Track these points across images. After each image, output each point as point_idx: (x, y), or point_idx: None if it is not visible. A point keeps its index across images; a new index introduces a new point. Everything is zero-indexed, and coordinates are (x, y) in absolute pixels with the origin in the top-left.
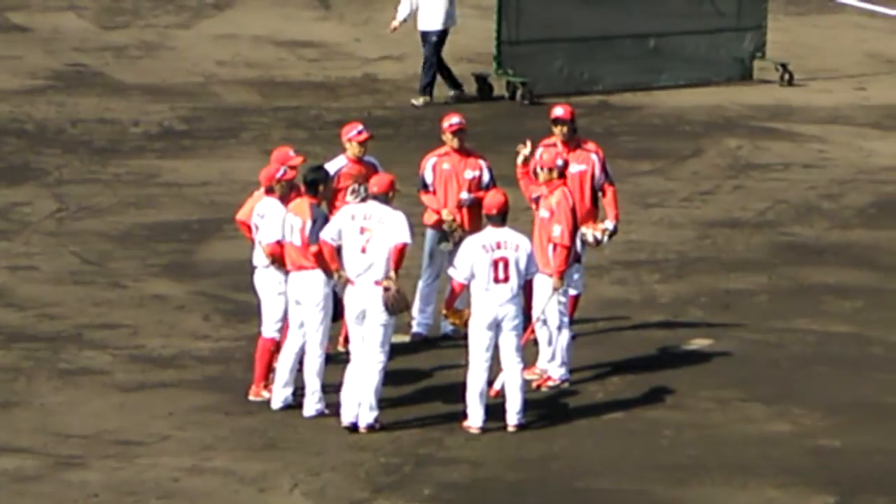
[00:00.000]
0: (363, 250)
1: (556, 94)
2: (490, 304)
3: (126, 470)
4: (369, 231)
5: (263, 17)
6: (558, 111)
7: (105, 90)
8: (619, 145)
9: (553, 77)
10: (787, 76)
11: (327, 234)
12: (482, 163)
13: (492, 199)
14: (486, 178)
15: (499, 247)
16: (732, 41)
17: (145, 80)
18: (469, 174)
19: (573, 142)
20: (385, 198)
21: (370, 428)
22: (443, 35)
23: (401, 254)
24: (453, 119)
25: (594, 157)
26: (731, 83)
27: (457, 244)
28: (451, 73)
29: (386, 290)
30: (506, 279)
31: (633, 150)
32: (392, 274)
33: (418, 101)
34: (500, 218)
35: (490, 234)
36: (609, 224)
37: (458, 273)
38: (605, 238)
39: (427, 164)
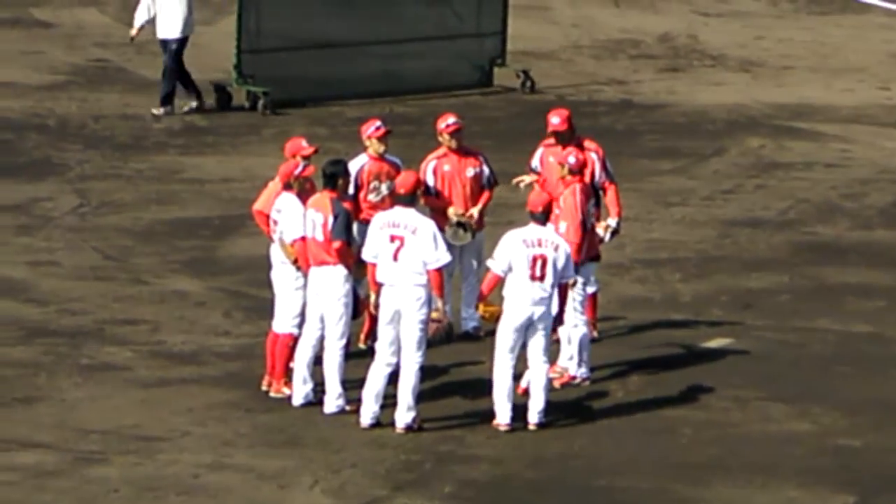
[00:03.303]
0: (395, 258)
1: (298, 104)
2: (524, 303)
3: (146, 466)
4: (399, 239)
5: None
6: (554, 120)
7: (127, 86)
8: (641, 144)
9: (294, 86)
10: (528, 83)
11: (369, 255)
12: (480, 158)
13: (537, 198)
14: (485, 172)
15: (539, 244)
16: (472, 48)
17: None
18: (470, 172)
19: (572, 142)
20: (411, 198)
21: (408, 428)
22: (182, 43)
23: (439, 277)
24: (450, 119)
25: (594, 155)
26: (472, 90)
27: (474, 234)
28: (192, 82)
29: (436, 321)
30: (542, 277)
31: (656, 148)
32: (439, 304)
33: (158, 110)
34: (544, 217)
35: (532, 230)
36: (612, 221)
37: (496, 265)
38: (608, 235)
39: (427, 168)
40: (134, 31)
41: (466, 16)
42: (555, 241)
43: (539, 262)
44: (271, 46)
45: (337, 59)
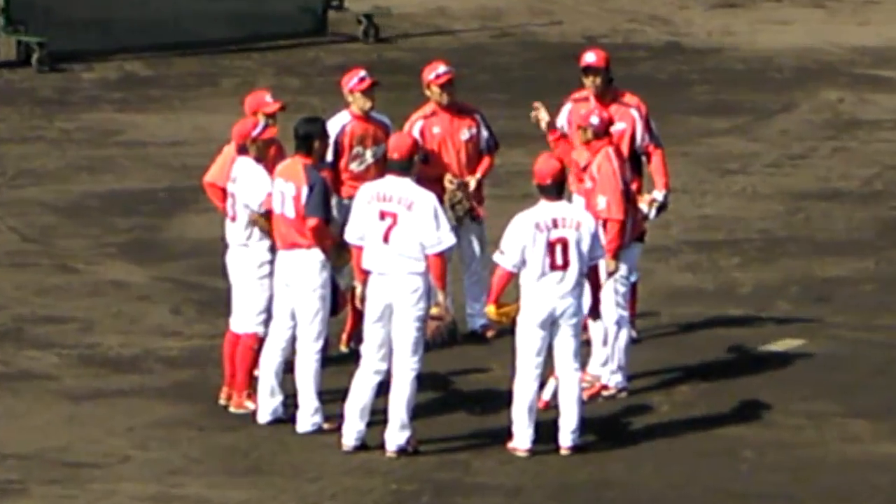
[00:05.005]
0: (385, 239)
1: (79, 57)
2: (545, 297)
3: (76, 498)
4: (391, 216)
5: None
6: (589, 57)
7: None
8: (690, 97)
9: (76, 35)
10: (372, 30)
11: (353, 236)
12: (477, 117)
13: (544, 166)
14: (484, 134)
15: (556, 225)
16: None
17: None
18: (465, 134)
19: (609, 95)
20: (408, 165)
21: (401, 451)
22: None
23: (441, 264)
24: (440, 69)
25: (635, 112)
26: (300, 38)
27: (460, 220)
28: None
29: (436, 318)
30: (565, 265)
31: (708, 103)
32: (440, 297)
33: None
34: (556, 189)
35: (544, 209)
36: (658, 194)
37: (505, 259)
38: (653, 212)
39: (413, 130)
40: None
41: None
42: (575, 217)
43: (559, 248)
44: None
45: (126, 2)
